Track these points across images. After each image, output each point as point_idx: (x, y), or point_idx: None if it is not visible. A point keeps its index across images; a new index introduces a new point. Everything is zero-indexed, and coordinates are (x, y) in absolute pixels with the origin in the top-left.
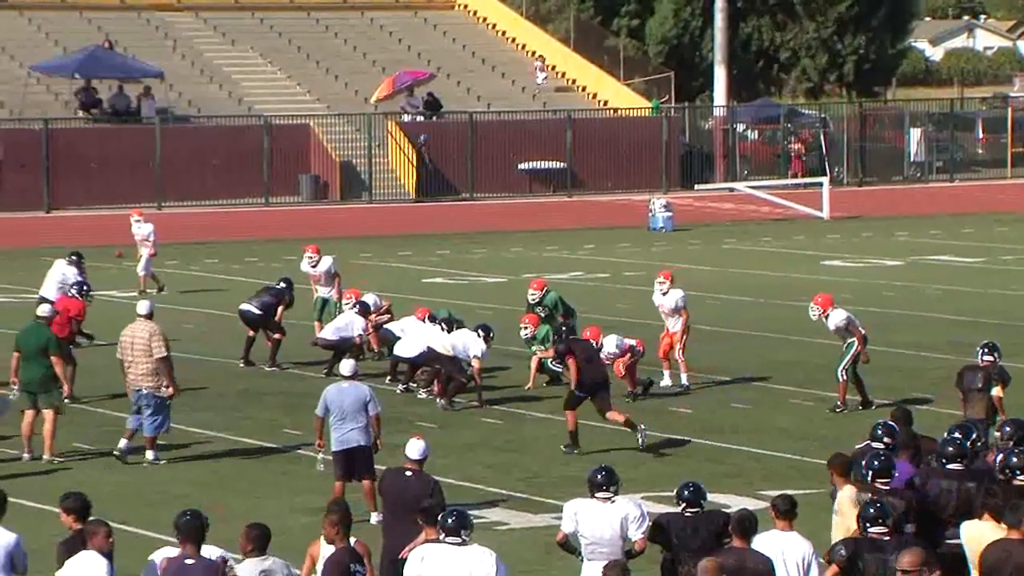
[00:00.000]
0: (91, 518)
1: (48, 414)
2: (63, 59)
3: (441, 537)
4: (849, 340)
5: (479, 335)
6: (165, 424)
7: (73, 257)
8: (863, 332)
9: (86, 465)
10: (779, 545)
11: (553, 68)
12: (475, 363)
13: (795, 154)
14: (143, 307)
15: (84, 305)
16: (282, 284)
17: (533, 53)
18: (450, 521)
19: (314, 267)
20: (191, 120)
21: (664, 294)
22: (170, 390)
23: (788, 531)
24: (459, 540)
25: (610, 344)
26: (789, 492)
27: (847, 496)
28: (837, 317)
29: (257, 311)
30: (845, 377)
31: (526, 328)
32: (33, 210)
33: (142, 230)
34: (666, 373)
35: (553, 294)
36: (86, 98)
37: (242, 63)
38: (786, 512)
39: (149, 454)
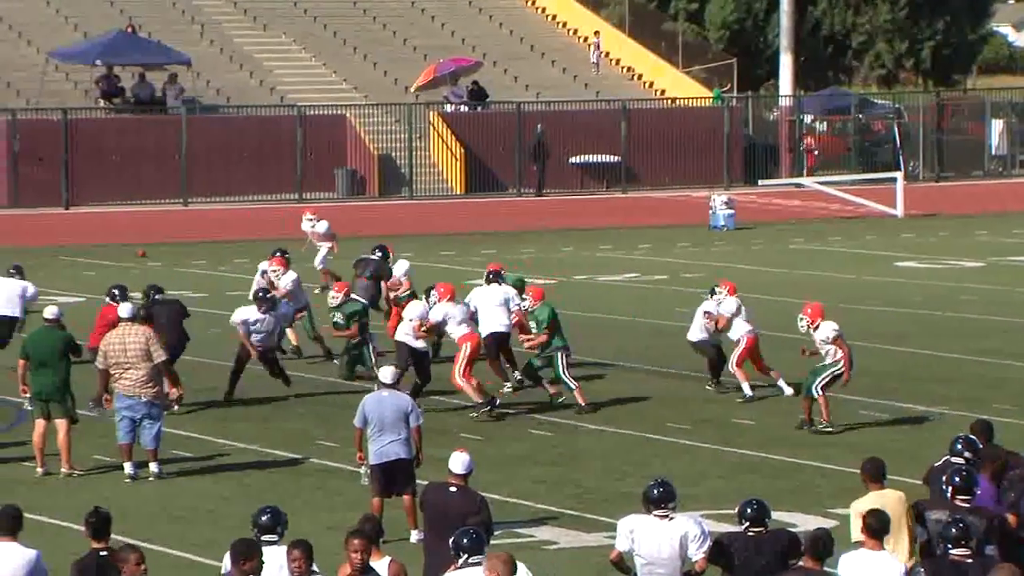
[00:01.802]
0: (124, 543)
1: (61, 424)
2: (84, 45)
3: (463, 559)
4: (835, 357)
5: (421, 297)
6: (162, 432)
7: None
8: (849, 349)
9: (107, 479)
10: (867, 567)
11: (607, 55)
12: (412, 328)
13: (805, 149)
14: (126, 310)
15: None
16: (377, 254)
17: (585, 39)
18: (466, 541)
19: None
20: (220, 110)
21: (718, 304)
22: (176, 391)
23: (878, 551)
24: (481, 558)
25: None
26: (880, 508)
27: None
28: (827, 329)
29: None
30: (821, 393)
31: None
32: (51, 206)
33: (318, 228)
34: (776, 379)
35: (548, 310)
36: (108, 86)
37: (275, 49)
38: (878, 530)
39: (153, 467)
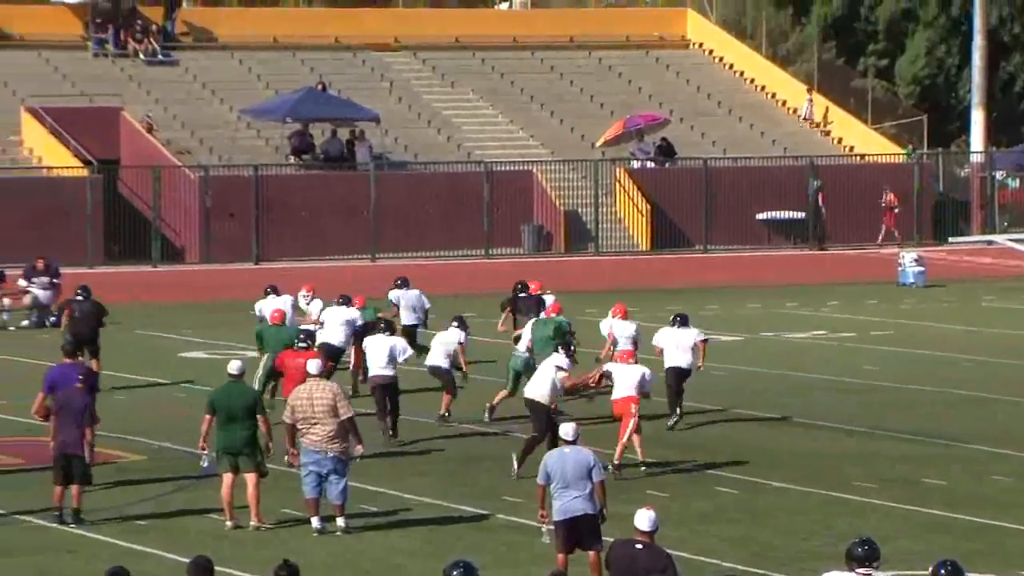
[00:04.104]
0: None
1: (251, 477)
2: (274, 102)
3: None
4: None
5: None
6: (348, 487)
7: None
8: None
9: (295, 532)
10: None
11: (795, 111)
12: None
13: (887, 206)
14: (314, 366)
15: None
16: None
17: (773, 95)
18: None
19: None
20: (407, 166)
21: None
22: (360, 448)
23: None
24: None
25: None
26: None
27: None
28: None
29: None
30: None
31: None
32: (241, 261)
33: (312, 308)
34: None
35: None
36: (298, 143)
37: (462, 106)
38: None
39: (340, 521)
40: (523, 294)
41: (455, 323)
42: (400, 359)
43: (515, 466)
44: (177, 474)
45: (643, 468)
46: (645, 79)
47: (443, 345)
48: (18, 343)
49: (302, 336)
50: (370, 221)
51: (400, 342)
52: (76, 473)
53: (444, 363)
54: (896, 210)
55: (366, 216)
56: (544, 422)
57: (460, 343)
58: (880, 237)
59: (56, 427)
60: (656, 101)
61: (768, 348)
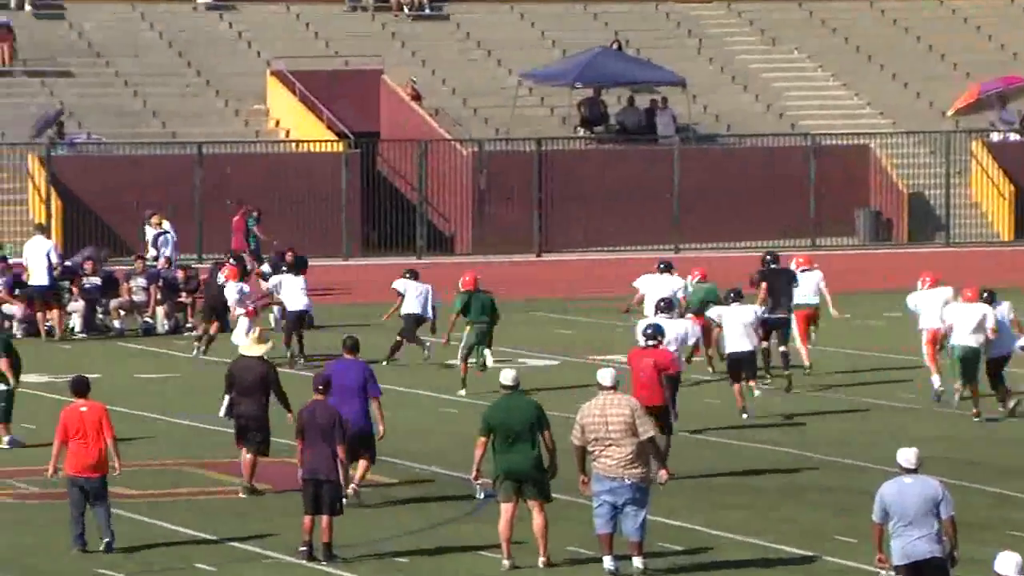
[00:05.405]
0: None
1: (537, 506)
2: (562, 64)
3: None
4: None
5: None
6: (647, 521)
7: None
8: None
9: (585, 572)
10: None
11: None
12: None
13: None
14: (607, 376)
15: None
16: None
17: None
18: None
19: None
20: (718, 140)
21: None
22: (664, 474)
23: None
24: None
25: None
26: None
27: None
28: None
29: None
30: None
31: None
32: (521, 253)
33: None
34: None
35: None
36: (589, 112)
37: (785, 68)
38: None
39: (637, 562)
40: (773, 265)
41: (735, 299)
42: (690, 342)
43: None
44: (445, 504)
45: None
46: (1008, 33)
47: (743, 324)
48: None
49: (650, 331)
50: (673, 205)
51: (688, 325)
52: (326, 502)
53: (751, 344)
54: None
55: (668, 199)
56: None
57: (754, 321)
58: None
59: (301, 446)
60: (1022, 60)
61: None
